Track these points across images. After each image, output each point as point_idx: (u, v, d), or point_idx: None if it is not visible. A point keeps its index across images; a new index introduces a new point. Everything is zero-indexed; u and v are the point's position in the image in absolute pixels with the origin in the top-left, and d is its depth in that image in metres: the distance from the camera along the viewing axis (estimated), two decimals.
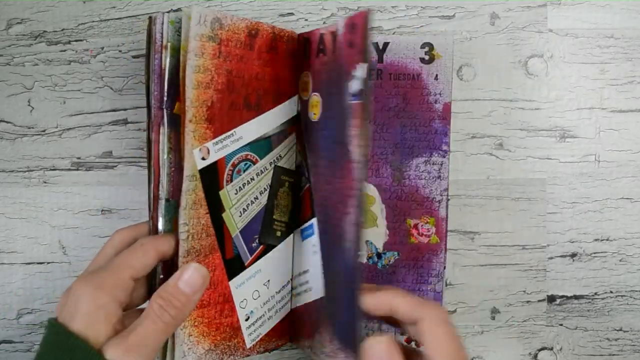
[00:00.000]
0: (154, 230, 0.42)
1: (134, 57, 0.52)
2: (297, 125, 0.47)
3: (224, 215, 0.43)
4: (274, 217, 0.46)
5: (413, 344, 0.46)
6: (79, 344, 0.34)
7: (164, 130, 0.41)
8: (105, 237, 0.52)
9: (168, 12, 0.47)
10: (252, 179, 0.45)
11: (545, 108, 0.52)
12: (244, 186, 0.44)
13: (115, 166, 0.52)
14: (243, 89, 0.43)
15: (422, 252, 0.49)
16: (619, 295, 0.53)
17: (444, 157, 0.48)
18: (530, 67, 0.52)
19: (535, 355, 0.53)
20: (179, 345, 0.41)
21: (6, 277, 0.52)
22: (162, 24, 0.41)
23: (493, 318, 0.53)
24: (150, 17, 0.42)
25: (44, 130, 0.52)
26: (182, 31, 0.40)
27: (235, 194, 0.44)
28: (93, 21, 0.52)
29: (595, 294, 0.53)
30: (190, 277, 0.38)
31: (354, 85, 0.38)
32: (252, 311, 0.45)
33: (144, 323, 0.36)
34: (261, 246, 0.46)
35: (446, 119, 0.48)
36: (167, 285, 0.38)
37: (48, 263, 0.52)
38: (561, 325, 0.53)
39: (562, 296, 0.53)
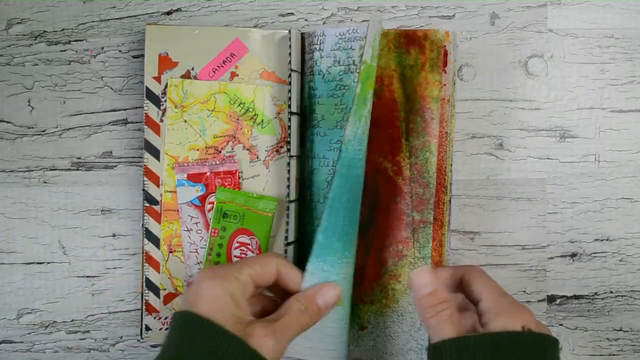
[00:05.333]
0: None
1: (134, 57, 0.52)
2: None
3: None
4: None
5: None
6: (210, 326, 0.37)
7: None
8: (105, 237, 0.52)
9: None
10: None
11: (545, 108, 0.52)
12: None
13: (115, 166, 0.52)
14: None
15: None
16: (619, 295, 0.53)
17: None
18: (530, 67, 0.52)
19: None
20: None
21: (6, 277, 0.52)
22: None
23: None
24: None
25: (44, 130, 0.52)
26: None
27: None
28: (93, 21, 0.51)
29: (595, 294, 0.53)
30: (328, 293, 0.43)
31: None
32: None
33: (286, 317, 0.40)
34: None
35: None
36: (307, 293, 0.42)
37: (48, 263, 0.52)
38: (561, 325, 0.53)
39: (562, 296, 0.53)
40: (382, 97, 0.47)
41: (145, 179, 0.50)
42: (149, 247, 0.50)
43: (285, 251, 0.48)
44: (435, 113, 0.47)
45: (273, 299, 0.45)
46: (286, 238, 0.48)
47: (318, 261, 0.43)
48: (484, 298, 0.42)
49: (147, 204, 0.50)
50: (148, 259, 0.50)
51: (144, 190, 0.50)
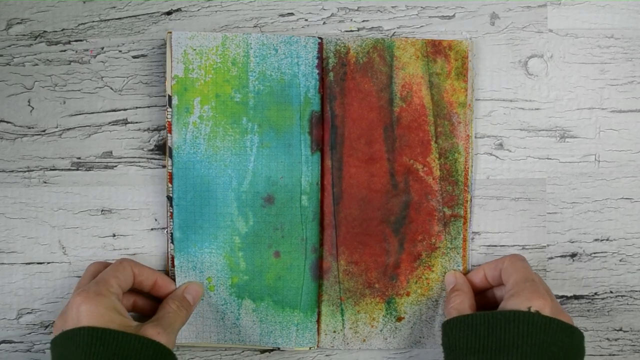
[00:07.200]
0: None
1: (134, 57, 0.52)
2: None
3: None
4: None
5: None
6: (111, 332, 0.40)
7: None
8: (105, 237, 0.52)
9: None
10: None
11: (545, 108, 0.52)
12: None
13: (115, 166, 0.52)
14: None
15: None
16: (619, 295, 0.53)
17: None
18: (530, 67, 0.52)
19: None
20: None
21: (6, 277, 0.52)
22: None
23: None
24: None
25: (44, 130, 0.52)
26: None
27: None
28: (93, 21, 0.52)
29: (595, 294, 0.53)
30: (193, 289, 0.49)
31: None
32: None
33: (169, 315, 0.45)
34: None
35: None
36: (177, 293, 0.49)
37: (48, 263, 0.52)
38: None
39: (562, 296, 0.53)
40: (412, 103, 0.51)
41: (169, 185, 0.50)
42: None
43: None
44: (461, 117, 0.51)
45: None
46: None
47: (182, 254, 0.50)
48: (509, 282, 0.45)
49: (171, 210, 0.50)
50: (174, 264, 0.50)
51: (168, 197, 0.50)
